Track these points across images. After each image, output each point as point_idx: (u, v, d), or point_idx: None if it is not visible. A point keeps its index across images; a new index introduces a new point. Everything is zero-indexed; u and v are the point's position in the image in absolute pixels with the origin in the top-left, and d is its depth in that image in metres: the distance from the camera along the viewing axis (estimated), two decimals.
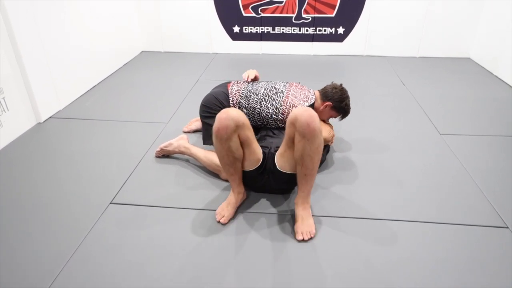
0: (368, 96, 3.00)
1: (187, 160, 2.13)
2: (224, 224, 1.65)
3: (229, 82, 2.14)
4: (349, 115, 2.15)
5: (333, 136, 2.07)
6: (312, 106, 2.03)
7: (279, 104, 1.98)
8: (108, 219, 1.69)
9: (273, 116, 1.99)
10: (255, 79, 2.18)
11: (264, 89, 2.02)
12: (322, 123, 2.06)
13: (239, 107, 2.02)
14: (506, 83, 3.25)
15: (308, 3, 3.88)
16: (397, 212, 1.72)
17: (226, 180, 1.93)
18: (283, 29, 4.03)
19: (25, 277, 1.40)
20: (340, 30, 3.98)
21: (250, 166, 1.72)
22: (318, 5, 3.88)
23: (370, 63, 3.85)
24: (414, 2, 3.76)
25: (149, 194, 1.86)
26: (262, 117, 2.01)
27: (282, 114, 1.97)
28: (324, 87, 2.11)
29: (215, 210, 1.72)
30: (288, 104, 1.98)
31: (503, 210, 1.72)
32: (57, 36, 2.73)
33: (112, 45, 3.57)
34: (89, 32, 3.15)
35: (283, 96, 1.99)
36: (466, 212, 1.72)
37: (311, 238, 1.57)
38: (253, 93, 2.02)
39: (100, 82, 3.32)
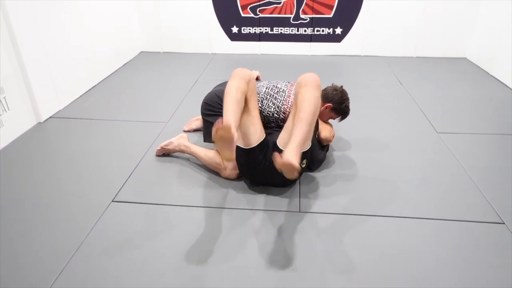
0: (366, 96, 3.03)
1: (187, 159, 2.15)
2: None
3: None
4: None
5: (333, 135, 2.10)
6: None
7: (280, 103, 2.00)
8: (110, 217, 1.70)
9: (275, 115, 2.01)
10: (257, 79, 2.20)
11: (266, 88, 2.05)
12: (323, 123, 2.10)
13: None
14: (502, 82, 3.29)
15: (306, 4, 3.91)
16: (396, 209, 1.75)
17: (227, 178, 1.95)
18: (281, 29, 4.05)
19: (26, 277, 1.41)
20: (338, 30, 4.01)
21: (253, 140, 1.77)
22: (316, 6, 3.91)
23: (368, 63, 3.88)
24: (411, 3, 3.79)
25: (150, 192, 1.87)
26: (264, 115, 2.03)
27: (284, 113, 2.00)
28: (325, 89, 2.12)
29: (216, 207, 1.74)
30: (289, 103, 2.00)
31: (500, 206, 1.75)
32: (57, 36, 2.74)
33: (111, 45, 3.58)
34: (89, 32, 3.17)
35: (284, 95, 2.02)
36: (464, 208, 1.75)
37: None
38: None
39: (99, 82, 3.33)
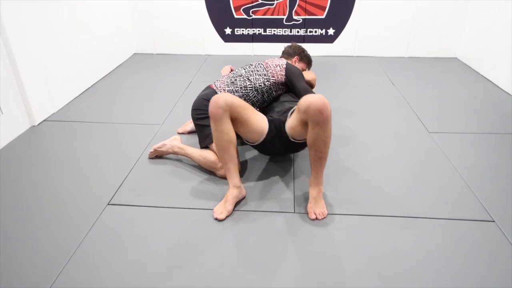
0: (358, 96, 3.06)
1: (181, 160, 2.16)
2: (221, 221, 1.69)
3: (211, 84, 2.22)
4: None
5: (314, 79, 2.37)
6: (287, 63, 2.22)
7: (265, 71, 2.15)
8: (106, 220, 1.71)
9: (266, 83, 2.12)
10: (231, 71, 2.43)
11: (244, 70, 2.20)
12: (306, 71, 2.40)
13: None
14: (491, 81, 3.35)
15: (298, 5, 3.93)
16: (387, 208, 1.77)
17: (223, 178, 1.97)
18: (274, 30, 4.08)
19: (24, 280, 1.41)
20: (331, 31, 4.05)
21: (256, 138, 1.86)
22: (308, 7, 3.94)
23: (360, 63, 3.92)
24: (402, 4, 3.84)
25: (146, 194, 1.89)
26: (257, 89, 2.11)
27: (273, 77, 2.13)
28: (282, 52, 2.46)
29: (212, 209, 1.76)
30: (270, 66, 2.16)
31: (489, 205, 1.79)
32: (50, 38, 2.74)
33: (105, 47, 3.58)
34: (82, 35, 3.16)
35: (262, 66, 2.18)
36: (454, 207, 1.78)
37: (323, 218, 1.70)
38: (237, 76, 2.15)
39: (93, 85, 3.33)
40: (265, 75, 2.13)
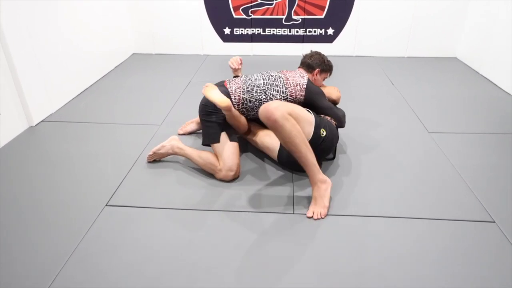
0: (358, 96, 3.05)
1: (180, 162, 2.15)
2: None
3: (225, 80, 2.16)
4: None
5: (339, 91, 2.29)
6: (308, 80, 2.12)
7: (283, 87, 2.05)
8: (104, 221, 1.70)
9: (282, 100, 2.03)
10: (241, 64, 2.35)
11: (263, 79, 2.08)
12: (325, 87, 2.27)
13: (242, 103, 2.04)
14: (491, 81, 3.34)
15: (297, 5, 3.92)
16: (387, 209, 1.77)
17: (222, 180, 1.96)
18: (273, 30, 4.07)
19: (22, 281, 1.40)
20: (330, 31, 4.04)
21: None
22: (307, 7, 3.93)
23: (360, 63, 3.91)
24: (402, 3, 3.83)
25: (144, 195, 1.87)
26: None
27: (291, 96, 2.05)
28: (302, 62, 2.26)
29: (210, 210, 1.75)
30: (291, 84, 2.05)
31: (490, 205, 1.78)
32: (49, 38, 2.72)
33: (103, 47, 3.57)
34: (81, 35, 3.15)
35: (283, 81, 2.07)
36: (454, 207, 1.77)
37: (318, 218, 1.69)
38: (254, 85, 2.06)
39: (92, 85, 3.32)
40: (283, 92, 2.04)
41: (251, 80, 2.10)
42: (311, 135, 1.83)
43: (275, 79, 2.08)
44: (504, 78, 3.17)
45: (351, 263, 1.47)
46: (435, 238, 1.59)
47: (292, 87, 2.04)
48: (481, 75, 3.51)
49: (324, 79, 2.28)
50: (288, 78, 2.07)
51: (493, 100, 2.97)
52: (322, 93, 2.10)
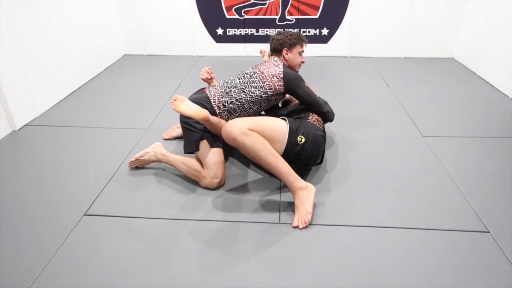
0: (352, 98, 2.98)
1: (164, 169, 2.07)
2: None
3: (204, 88, 2.10)
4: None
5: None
6: (283, 65, 2.04)
7: (261, 82, 1.98)
8: (81, 232, 1.63)
9: (263, 96, 1.99)
10: (212, 73, 2.18)
11: (239, 79, 2.03)
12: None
13: (223, 106, 1.98)
14: (488, 83, 3.26)
15: (291, 5, 3.85)
16: (379, 218, 1.69)
17: (206, 188, 1.89)
18: (267, 30, 3.99)
19: None
20: (324, 31, 3.96)
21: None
22: (301, 7, 3.85)
23: (355, 64, 3.83)
24: (398, 3, 3.75)
25: (125, 204, 1.80)
26: (253, 101, 2.00)
27: (270, 89, 1.98)
28: (271, 49, 2.15)
29: (192, 219, 1.68)
30: (267, 77, 1.99)
31: (485, 214, 1.70)
32: (33, 39, 2.64)
33: (92, 48, 3.49)
34: (69, 36, 3.07)
35: (258, 76, 2.01)
36: (449, 217, 1.70)
37: (304, 227, 1.63)
38: (232, 86, 2.01)
39: (80, 87, 3.24)
40: (261, 87, 1.98)
41: (228, 82, 2.05)
42: (285, 144, 1.76)
43: (250, 75, 2.02)
44: (501, 79, 3.09)
45: (339, 276, 1.40)
46: (427, 249, 1.52)
47: (269, 80, 1.98)
48: (478, 76, 3.43)
49: (300, 53, 2.13)
50: (263, 72, 2.01)
51: (490, 102, 2.89)
52: (300, 78, 2.03)
